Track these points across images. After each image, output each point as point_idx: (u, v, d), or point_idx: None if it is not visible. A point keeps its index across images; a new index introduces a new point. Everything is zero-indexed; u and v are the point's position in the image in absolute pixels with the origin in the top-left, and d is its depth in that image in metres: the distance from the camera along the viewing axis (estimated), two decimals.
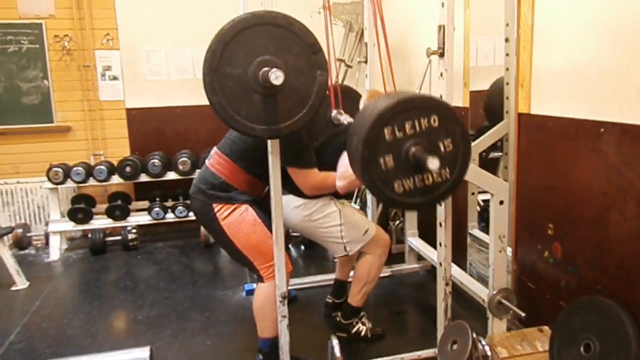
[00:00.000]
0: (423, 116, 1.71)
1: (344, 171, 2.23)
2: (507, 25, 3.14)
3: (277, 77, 1.61)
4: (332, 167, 2.30)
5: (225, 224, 2.22)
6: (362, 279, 2.55)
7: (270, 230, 2.17)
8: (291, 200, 2.45)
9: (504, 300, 2.29)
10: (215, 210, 2.22)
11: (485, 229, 3.44)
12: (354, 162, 1.79)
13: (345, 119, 2.49)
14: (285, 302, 2.20)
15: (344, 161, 2.22)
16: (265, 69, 1.68)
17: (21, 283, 3.54)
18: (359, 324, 2.64)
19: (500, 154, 3.68)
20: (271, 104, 1.76)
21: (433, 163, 1.64)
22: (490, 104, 3.22)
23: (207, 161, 2.36)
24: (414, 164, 1.72)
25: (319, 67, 1.77)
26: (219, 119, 1.77)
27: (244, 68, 1.71)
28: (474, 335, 2.03)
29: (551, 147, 2.26)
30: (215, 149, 2.36)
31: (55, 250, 4.14)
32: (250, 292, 3.21)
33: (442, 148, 1.73)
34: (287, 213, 2.45)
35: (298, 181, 2.30)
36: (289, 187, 2.34)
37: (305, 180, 2.29)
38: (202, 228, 4.17)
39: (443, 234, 2.22)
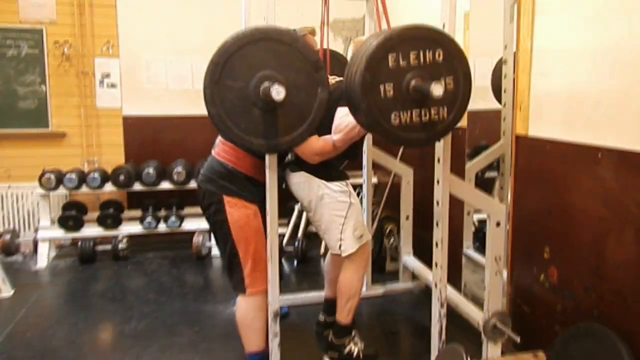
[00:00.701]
0: (429, 48, 1.71)
1: (338, 124, 2.22)
2: (506, 47, 3.17)
3: (278, 92, 1.59)
4: (326, 130, 2.28)
5: (230, 215, 2.19)
6: (345, 293, 2.52)
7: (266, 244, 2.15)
8: (307, 178, 2.44)
9: (499, 324, 2.27)
10: (225, 201, 2.20)
11: (480, 249, 3.43)
12: (352, 90, 1.74)
13: (333, 79, 2.49)
14: (277, 319, 2.16)
15: (338, 115, 2.23)
16: (267, 83, 1.67)
17: (6, 291, 3.46)
18: (351, 344, 2.59)
19: (495, 174, 3.69)
20: (271, 119, 1.74)
21: (437, 89, 1.62)
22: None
23: (212, 151, 2.36)
24: (414, 98, 1.71)
25: (321, 84, 1.76)
26: (216, 130, 1.76)
27: (245, 82, 1.70)
28: (469, 358, 2.00)
29: (549, 170, 2.26)
30: (219, 137, 2.35)
31: (43, 258, 4.07)
32: None
33: (443, 85, 1.71)
34: (302, 190, 2.46)
35: (300, 151, 2.28)
36: (305, 165, 2.36)
37: (306, 148, 2.25)
38: (194, 240, 4.13)
39: (439, 255, 2.20)
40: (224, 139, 2.22)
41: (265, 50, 1.71)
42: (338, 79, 2.47)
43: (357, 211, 2.52)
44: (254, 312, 2.23)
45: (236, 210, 2.19)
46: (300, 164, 2.41)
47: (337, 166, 2.53)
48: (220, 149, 2.29)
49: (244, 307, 2.27)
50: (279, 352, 2.19)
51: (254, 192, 2.19)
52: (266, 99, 1.66)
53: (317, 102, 1.77)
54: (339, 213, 2.44)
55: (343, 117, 2.19)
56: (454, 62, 1.74)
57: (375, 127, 1.75)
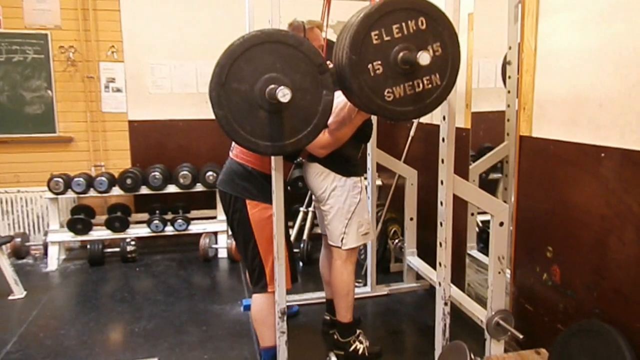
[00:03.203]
0: (410, 18, 1.71)
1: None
2: (510, 48, 3.20)
3: (284, 94, 1.62)
4: None
5: (252, 217, 2.25)
6: (339, 292, 2.57)
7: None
8: (324, 170, 2.50)
9: (502, 322, 2.29)
10: (247, 203, 2.25)
11: (483, 250, 3.45)
12: (341, 73, 1.75)
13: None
14: (285, 317, 2.20)
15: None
16: (272, 86, 1.70)
17: (19, 292, 3.53)
18: (357, 342, 2.63)
19: (499, 175, 3.72)
20: (276, 121, 1.77)
21: (424, 58, 1.63)
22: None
23: (230, 154, 2.40)
24: (404, 71, 1.72)
25: (326, 87, 1.79)
26: (221, 134, 1.79)
27: (251, 84, 1.73)
28: (472, 356, 2.03)
29: (552, 170, 2.28)
30: None
31: (54, 261, 4.13)
32: (248, 308, 3.19)
33: (431, 52, 1.72)
34: (316, 181, 2.52)
35: (308, 147, 2.32)
36: (322, 158, 2.44)
37: (313, 144, 2.27)
38: (200, 242, 4.17)
39: (443, 254, 2.23)
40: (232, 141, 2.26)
41: (270, 53, 1.74)
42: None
43: (364, 208, 2.57)
44: (268, 308, 2.27)
45: (258, 211, 2.24)
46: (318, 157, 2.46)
47: (354, 158, 2.58)
48: (239, 151, 2.33)
49: (258, 304, 2.33)
50: (286, 349, 2.22)
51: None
52: (272, 101, 1.70)
53: (322, 104, 1.79)
54: (348, 208, 2.50)
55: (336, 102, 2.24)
56: (438, 28, 1.75)
57: (370, 106, 1.76)
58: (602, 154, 1.99)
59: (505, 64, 3.36)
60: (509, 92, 3.33)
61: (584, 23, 2.06)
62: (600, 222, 2.01)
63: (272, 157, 2.06)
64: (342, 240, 2.52)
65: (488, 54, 3.46)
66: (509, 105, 3.33)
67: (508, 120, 3.34)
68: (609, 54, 1.94)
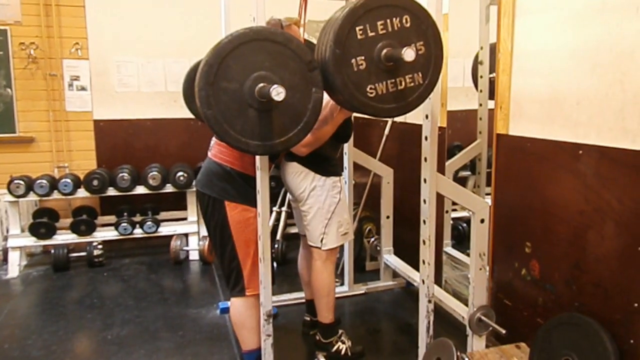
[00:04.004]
0: (395, 15, 1.73)
1: None
2: (482, 48, 3.26)
3: (278, 93, 1.59)
4: None
5: (231, 218, 2.20)
6: (319, 293, 2.57)
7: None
8: (302, 170, 2.48)
9: (483, 318, 2.33)
10: (225, 205, 2.20)
11: (456, 246, 3.52)
12: (324, 68, 1.76)
13: None
14: (270, 320, 2.16)
15: None
16: (262, 84, 1.66)
17: None
18: (339, 343, 2.62)
19: (468, 173, 3.79)
20: (266, 120, 1.74)
21: (408, 54, 1.64)
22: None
23: (209, 153, 2.33)
24: (387, 68, 1.73)
25: (315, 84, 1.77)
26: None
27: (240, 83, 1.69)
28: (458, 353, 2.05)
29: (529, 167, 2.33)
30: (214, 139, 2.32)
31: (14, 267, 3.94)
32: (225, 310, 3.13)
33: (414, 50, 1.73)
34: (295, 181, 2.50)
35: None
36: (302, 157, 2.42)
37: None
38: (171, 244, 4.07)
39: (426, 252, 2.24)
40: (221, 141, 2.21)
41: (259, 51, 1.71)
42: None
43: (344, 208, 2.56)
44: (247, 311, 2.25)
45: (237, 213, 2.20)
46: (297, 156, 2.44)
47: (333, 157, 2.57)
48: (217, 151, 2.28)
49: (236, 307, 2.29)
50: (272, 352, 2.19)
51: (253, 194, 2.18)
52: (262, 99, 1.66)
53: (311, 102, 1.77)
54: (328, 208, 2.48)
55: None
56: (422, 26, 1.77)
57: (353, 102, 1.76)
58: (580, 151, 2.04)
59: (476, 63, 3.43)
60: (480, 91, 3.40)
61: (561, 24, 2.12)
62: (579, 218, 2.07)
63: (258, 157, 2.02)
64: (321, 241, 2.51)
65: (456, 54, 3.52)
66: (481, 104, 3.40)
67: (480, 118, 3.42)
68: (586, 54, 2.00)
